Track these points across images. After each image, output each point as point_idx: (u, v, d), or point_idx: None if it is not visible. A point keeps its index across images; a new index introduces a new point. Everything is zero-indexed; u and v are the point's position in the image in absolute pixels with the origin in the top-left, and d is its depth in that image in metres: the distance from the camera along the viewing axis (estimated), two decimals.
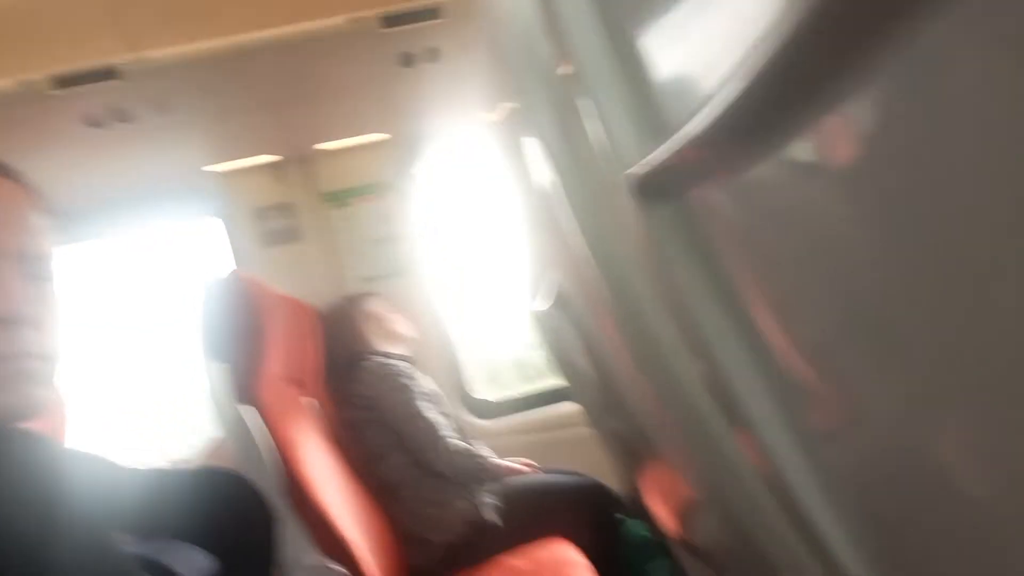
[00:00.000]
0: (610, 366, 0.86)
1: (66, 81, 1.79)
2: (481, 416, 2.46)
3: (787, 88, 0.31)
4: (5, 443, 0.64)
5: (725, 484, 0.66)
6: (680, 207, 0.51)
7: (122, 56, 1.80)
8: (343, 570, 1.48)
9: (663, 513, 1.23)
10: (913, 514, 0.43)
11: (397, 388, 1.95)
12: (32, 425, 0.74)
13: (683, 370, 0.64)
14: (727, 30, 0.40)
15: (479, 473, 1.93)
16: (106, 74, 1.80)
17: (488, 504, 1.91)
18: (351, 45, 1.86)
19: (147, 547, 0.71)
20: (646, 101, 0.55)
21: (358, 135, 2.36)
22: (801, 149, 0.35)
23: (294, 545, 1.35)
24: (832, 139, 0.32)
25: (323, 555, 1.51)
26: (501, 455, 2.05)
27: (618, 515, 2.05)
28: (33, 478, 0.63)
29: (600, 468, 2.03)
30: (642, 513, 1.97)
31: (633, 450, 1.23)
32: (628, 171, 0.52)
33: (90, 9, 1.73)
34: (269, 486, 1.43)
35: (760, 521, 0.61)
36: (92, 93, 1.83)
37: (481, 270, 2.97)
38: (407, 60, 1.93)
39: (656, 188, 0.52)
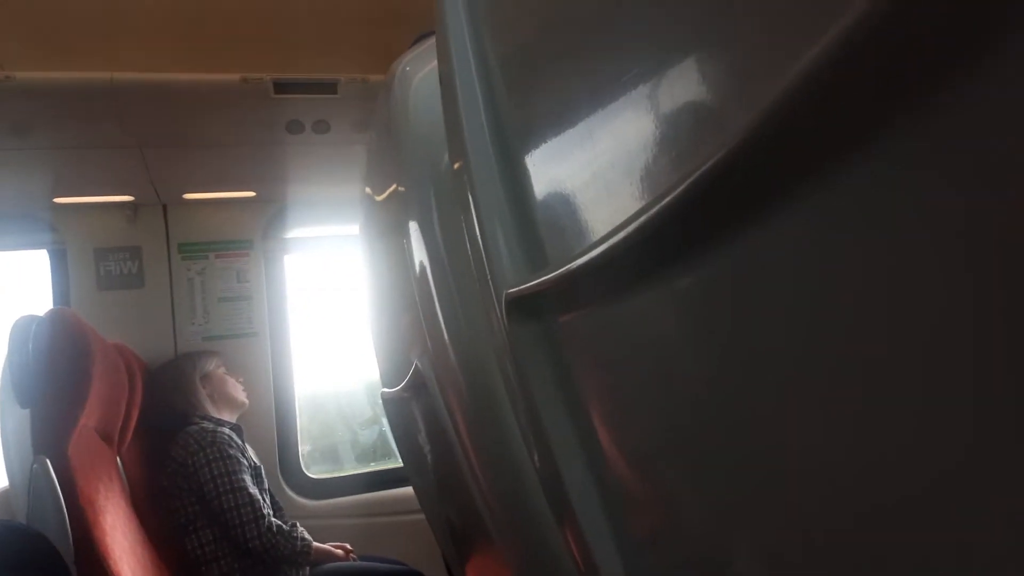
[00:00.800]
0: (454, 455, 0.89)
1: None
2: (305, 495, 2.37)
3: (656, 251, 0.39)
4: None
5: (546, 573, 0.71)
6: (547, 328, 0.58)
7: None
8: None
9: None
10: None
11: (220, 457, 1.84)
12: None
13: (524, 469, 0.69)
14: (612, 180, 0.48)
15: (294, 556, 1.84)
16: None
17: None
18: (239, 104, 1.86)
19: None
20: (527, 217, 0.62)
21: (227, 190, 2.31)
22: (654, 300, 0.43)
23: None
24: (677, 297, 0.40)
25: None
26: (321, 538, 1.98)
27: None
28: None
29: (421, 557, 2.01)
30: None
31: (462, 538, 1.24)
32: (506, 290, 0.58)
33: None
34: (60, 547, 1.30)
35: None
36: None
37: (329, 344, 2.92)
38: (295, 127, 1.96)
39: (529, 308, 0.58)
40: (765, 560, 0.42)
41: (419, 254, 0.88)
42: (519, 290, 0.56)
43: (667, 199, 0.34)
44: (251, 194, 2.34)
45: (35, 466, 1.44)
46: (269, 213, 2.40)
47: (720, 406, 0.40)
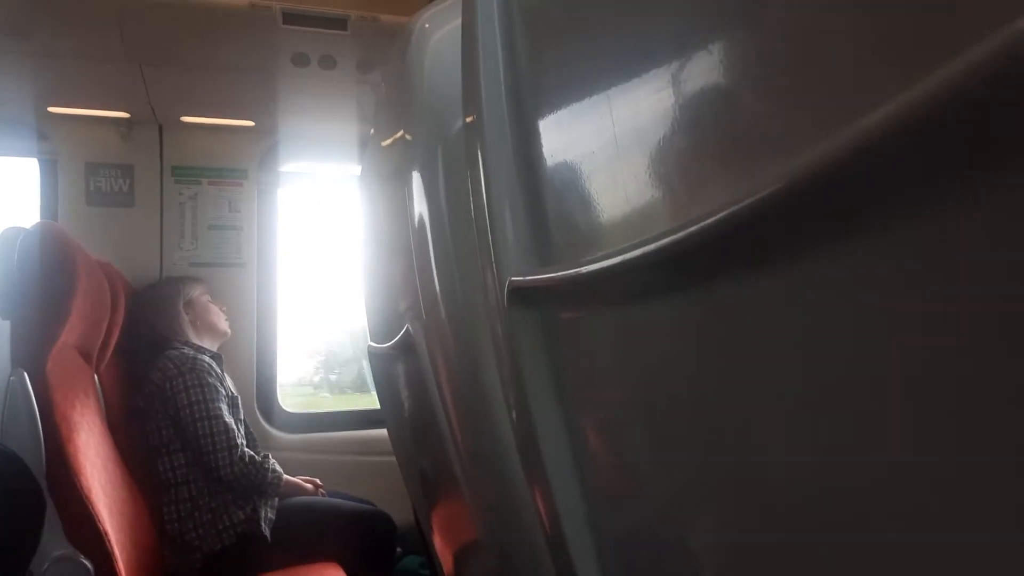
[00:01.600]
0: (434, 413, 0.91)
1: None
2: (281, 428, 2.39)
3: (671, 272, 0.39)
4: None
5: (512, 532, 0.73)
6: (546, 319, 0.58)
7: None
8: (89, 566, 1.38)
9: (444, 551, 1.28)
10: None
11: (197, 384, 1.85)
12: None
13: (501, 429, 0.71)
14: (628, 168, 0.47)
15: (263, 486, 1.87)
16: None
17: (265, 519, 1.85)
18: (247, 29, 1.81)
19: None
20: (535, 195, 0.61)
21: (226, 117, 2.27)
22: (660, 314, 0.43)
23: (47, 531, 1.25)
24: (680, 316, 0.41)
25: (75, 547, 1.39)
26: (293, 471, 2.01)
27: (398, 548, 2.06)
28: None
29: (389, 499, 2.05)
30: (422, 549, 2.00)
31: (432, 487, 1.27)
32: (509, 278, 0.58)
33: None
34: (31, 461, 1.30)
35: (531, 568, 0.68)
36: None
37: (317, 281, 2.91)
38: (300, 60, 1.91)
39: (529, 297, 0.58)
40: (718, 537, 0.44)
41: (419, 206, 0.88)
42: (523, 281, 0.56)
43: (694, 227, 0.34)
44: (250, 123, 2.30)
45: (12, 379, 1.44)
46: (266, 144, 2.36)
47: (699, 406, 0.41)
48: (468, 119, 0.72)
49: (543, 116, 0.61)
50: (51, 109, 2.11)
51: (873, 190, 0.25)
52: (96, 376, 1.82)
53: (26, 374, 1.45)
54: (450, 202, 0.84)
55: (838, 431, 0.30)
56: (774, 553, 0.38)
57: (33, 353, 1.50)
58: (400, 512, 2.00)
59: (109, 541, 1.41)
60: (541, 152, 0.62)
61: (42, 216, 2.17)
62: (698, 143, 0.38)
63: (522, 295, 0.57)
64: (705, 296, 0.38)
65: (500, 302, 0.60)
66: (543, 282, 0.54)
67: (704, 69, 0.36)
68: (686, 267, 0.38)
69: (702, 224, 0.33)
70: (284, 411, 2.44)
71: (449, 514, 1.18)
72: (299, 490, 1.99)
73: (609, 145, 0.48)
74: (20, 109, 2.10)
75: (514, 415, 0.65)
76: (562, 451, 0.59)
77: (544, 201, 0.62)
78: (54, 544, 1.29)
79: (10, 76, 1.93)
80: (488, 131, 0.67)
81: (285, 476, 1.93)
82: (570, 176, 0.58)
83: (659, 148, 0.40)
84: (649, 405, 0.47)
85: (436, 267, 0.80)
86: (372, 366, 1.50)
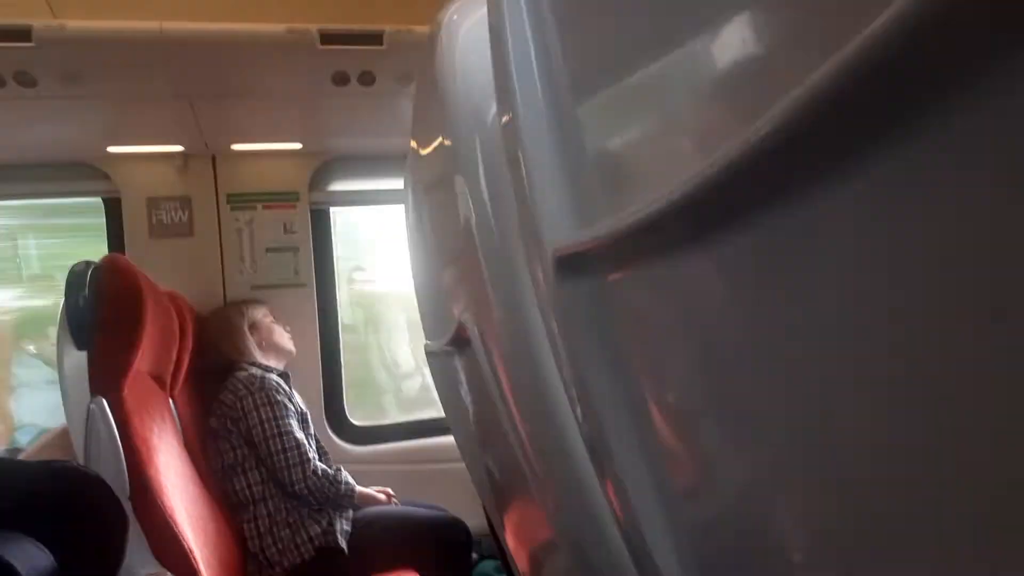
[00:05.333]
0: (495, 408, 0.90)
1: None
2: (350, 440, 2.43)
3: (711, 211, 0.37)
4: None
5: (585, 529, 0.72)
6: (594, 285, 0.57)
7: (41, 19, 1.73)
8: None
9: (520, 554, 1.27)
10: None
11: (267, 403, 1.90)
12: None
13: (566, 424, 0.70)
14: (670, 136, 0.46)
15: (337, 499, 1.91)
16: (20, 35, 1.72)
17: (341, 531, 1.88)
18: (286, 55, 1.86)
19: None
20: (577, 174, 0.61)
21: (274, 142, 2.33)
22: (707, 260, 0.41)
23: (132, 551, 1.29)
24: (732, 258, 0.39)
25: (162, 564, 1.44)
26: (364, 482, 2.04)
27: (473, 554, 2.07)
28: None
29: (461, 505, 2.05)
30: (498, 554, 2.00)
31: (501, 490, 1.26)
32: (555, 248, 0.57)
33: None
34: (115, 485, 1.35)
35: (612, 568, 0.67)
36: (1, 52, 1.73)
37: (375, 295, 2.95)
38: (340, 79, 1.95)
39: (577, 266, 0.57)
40: (804, 523, 0.42)
41: (464, 209, 0.88)
42: (567, 247, 0.55)
43: (726, 158, 0.32)
44: (298, 146, 2.36)
45: (92, 406, 1.50)
46: (316, 165, 2.42)
47: (769, 370, 0.39)
48: (504, 119, 0.71)
49: (582, 105, 0.60)
50: (110, 149, 2.20)
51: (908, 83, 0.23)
52: (171, 400, 1.89)
53: (105, 401, 1.52)
54: (494, 200, 0.84)
55: (951, 399, 0.25)
56: (874, 546, 0.34)
57: (110, 380, 1.56)
58: (474, 517, 2.00)
59: (194, 558, 1.46)
60: (582, 137, 0.61)
61: (109, 250, 2.26)
62: (725, 93, 0.37)
63: (569, 264, 0.56)
64: (753, 228, 0.35)
65: (547, 276, 0.59)
66: (587, 244, 0.52)
67: (730, 37, 0.35)
68: (724, 200, 0.35)
69: (734, 152, 0.31)
70: (352, 424, 2.48)
71: (520, 515, 1.18)
72: (372, 501, 2.02)
73: (648, 116, 0.47)
74: (82, 151, 2.20)
75: (575, 402, 0.64)
76: (630, 438, 0.58)
77: (586, 180, 0.61)
78: (142, 563, 1.34)
79: (71, 120, 2.02)
80: (526, 126, 0.66)
81: (358, 488, 1.96)
82: (611, 150, 0.57)
83: (692, 110, 0.39)
84: (718, 375, 0.45)
85: (484, 264, 0.80)
86: (431, 367, 1.51)
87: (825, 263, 0.31)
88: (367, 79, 1.93)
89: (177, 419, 1.89)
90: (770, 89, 0.31)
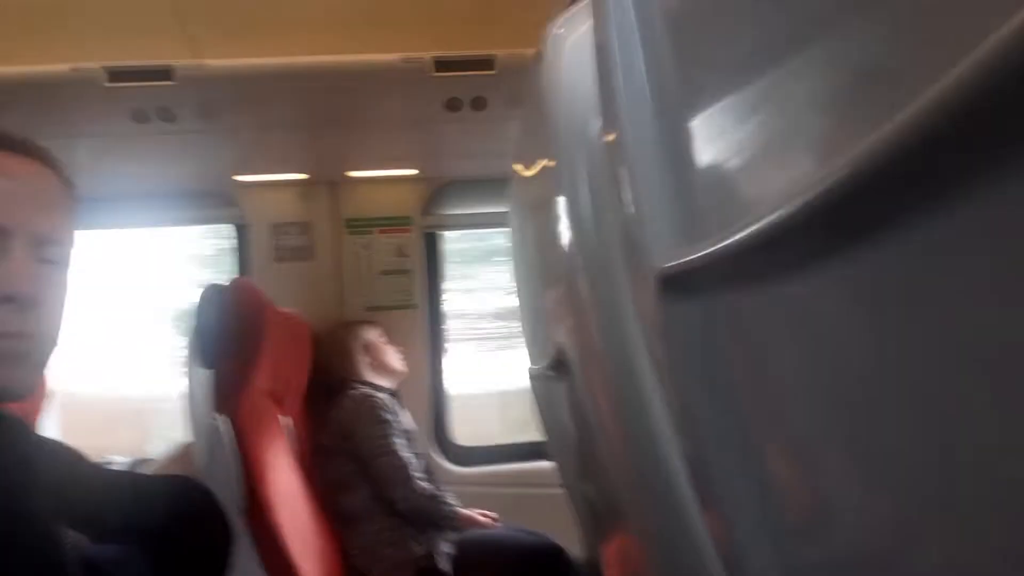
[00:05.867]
0: (594, 435, 0.87)
1: (121, 75, 1.85)
2: (455, 461, 2.44)
3: (835, 225, 0.33)
4: None
5: (686, 566, 0.67)
6: (704, 307, 0.53)
7: (180, 59, 1.86)
8: None
9: None
10: None
11: (376, 421, 1.94)
12: (10, 406, 0.74)
13: (667, 450, 0.65)
14: (788, 147, 0.42)
15: (440, 520, 1.91)
16: (162, 74, 1.86)
17: (443, 552, 1.88)
18: (401, 83, 1.92)
19: (96, 549, 0.70)
20: (685, 190, 0.57)
21: (390, 168, 2.41)
22: (829, 280, 0.37)
23: (243, 563, 1.33)
24: (857, 278, 0.34)
25: None
26: (468, 504, 2.03)
27: None
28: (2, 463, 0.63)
29: (563, 532, 2.00)
30: None
31: (601, 518, 1.22)
32: (661, 266, 0.53)
33: (156, 9, 1.79)
34: (230, 499, 1.41)
35: None
36: (144, 90, 1.88)
37: (484, 317, 2.98)
38: (453, 105, 1.99)
39: (684, 285, 0.53)
40: (944, 572, 0.36)
41: (565, 230, 0.85)
42: (674, 265, 0.51)
43: (859, 162, 0.28)
44: (413, 172, 2.43)
45: (214, 423, 1.57)
46: (430, 190, 2.49)
47: (909, 402, 0.34)
48: (610, 137, 0.69)
49: (692, 121, 0.57)
50: (239, 178, 2.35)
51: None
52: (287, 417, 1.96)
53: (225, 417, 1.59)
54: (597, 222, 0.81)
55: None
56: None
57: (231, 398, 1.64)
58: (578, 546, 1.95)
59: (301, 573, 1.49)
60: (691, 150, 0.57)
61: (238, 274, 2.40)
62: (849, 105, 0.33)
63: (676, 283, 0.53)
64: (882, 245, 0.30)
65: (654, 298, 0.55)
66: (696, 261, 0.48)
67: (853, 46, 0.32)
68: (849, 213, 0.31)
69: (858, 161, 0.28)
70: (457, 445, 2.49)
71: (619, 548, 1.13)
72: (474, 524, 2.00)
73: (766, 131, 0.43)
74: (215, 181, 2.35)
75: (679, 432, 0.60)
76: (738, 471, 0.53)
77: (695, 200, 0.57)
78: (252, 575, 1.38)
79: (203, 152, 2.17)
80: (631, 141, 0.64)
81: (460, 510, 1.96)
82: (723, 169, 0.53)
83: (813, 124, 0.35)
84: (845, 406, 0.40)
85: (586, 287, 0.77)
86: (533, 391, 1.49)
87: (982, 278, 0.27)
88: (479, 104, 1.97)
89: (291, 435, 1.96)
90: (902, 89, 0.27)
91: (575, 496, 1.43)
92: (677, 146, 0.60)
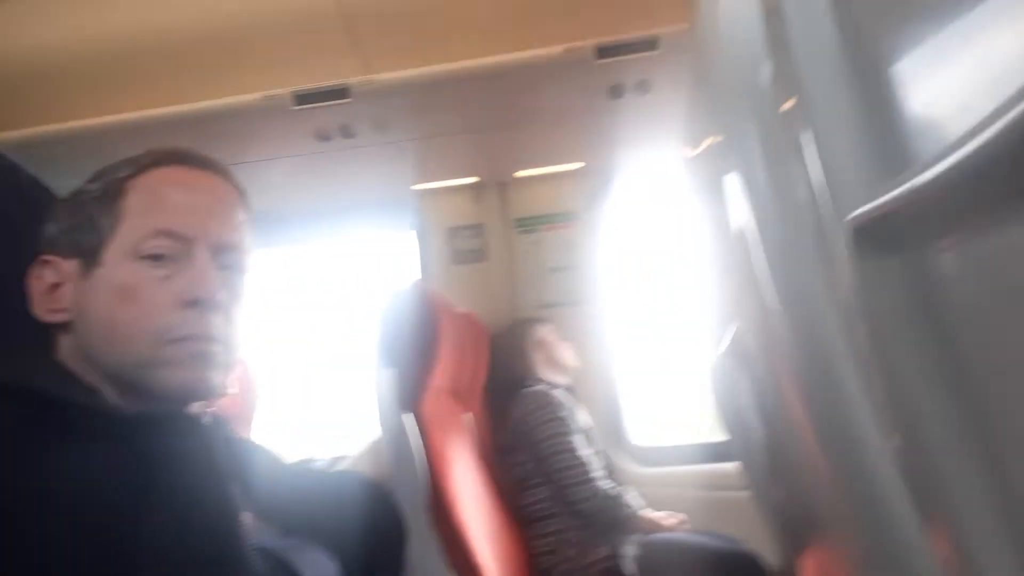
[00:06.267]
0: (783, 430, 0.78)
1: (305, 98, 1.98)
2: (638, 462, 2.37)
3: None
4: (171, 423, 0.68)
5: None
6: (906, 262, 0.44)
7: (355, 77, 1.96)
8: None
9: None
10: None
11: (552, 419, 1.93)
12: (220, 409, 0.79)
13: (873, 446, 0.56)
14: (998, 66, 0.35)
15: (623, 521, 1.85)
16: (340, 93, 1.98)
17: (629, 556, 1.82)
18: (564, 75, 1.90)
19: (280, 543, 0.72)
20: (882, 140, 0.49)
21: (556, 163, 2.40)
22: None
23: (427, 561, 1.36)
24: None
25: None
26: (654, 506, 1.96)
27: None
28: (187, 457, 0.66)
29: (759, 539, 1.87)
30: None
31: (795, 524, 1.11)
32: (850, 216, 0.46)
33: (331, 32, 1.90)
34: (415, 497, 1.45)
35: None
36: (325, 110, 2.01)
37: (662, 310, 2.89)
38: (617, 92, 1.93)
39: (880, 238, 0.45)
40: None
41: (741, 209, 0.78)
42: (867, 212, 0.43)
43: None
44: (577, 165, 2.40)
45: (399, 421, 1.63)
46: (595, 183, 2.44)
47: None
48: (787, 104, 0.62)
49: (890, 66, 0.49)
50: (415, 187, 2.44)
51: None
52: (468, 415, 2.00)
53: (408, 416, 1.64)
54: (776, 195, 0.73)
55: None
56: None
57: (413, 397, 1.70)
58: (767, 552, 1.81)
59: (484, 572, 1.50)
60: (892, 107, 0.49)
61: (417, 278, 2.49)
62: None
63: (869, 234, 0.44)
64: None
65: (847, 258, 0.47)
66: (891, 207, 0.40)
67: None
68: None
69: None
70: (635, 444, 2.42)
71: (818, 556, 1.01)
72: (656, 527, 1.93)
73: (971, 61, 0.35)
74: (392, 190, 2.47)
75: (886, 422, 0.51)
76: (971, 471, 0.44)
77: (897, 156, 0.49)
78: (436, 573, 1.41)
79: (381, 164, 2.27)
80: (820, 106, 0.56)
81: (642, 511, 1.90)
82: (929, 121, 0.44)
83: None
84: None
85: (764, 265, 0.69)
86: (713, 385, 1.40)
87: None
88: (643, 87, 1.90)
89: (473, 434, 1.99)
90: None
91: (765, 502, 1.32)
92: (869, 94, 0.52)
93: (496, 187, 2.48)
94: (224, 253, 0.75)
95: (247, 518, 0.74)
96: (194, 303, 0.70)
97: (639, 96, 1.93)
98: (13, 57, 1.99)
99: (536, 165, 2.40)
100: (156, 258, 0.71)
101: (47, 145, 2.05)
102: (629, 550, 1.84)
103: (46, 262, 0.74)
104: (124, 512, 0.60)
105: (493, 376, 2.16)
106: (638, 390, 2.55)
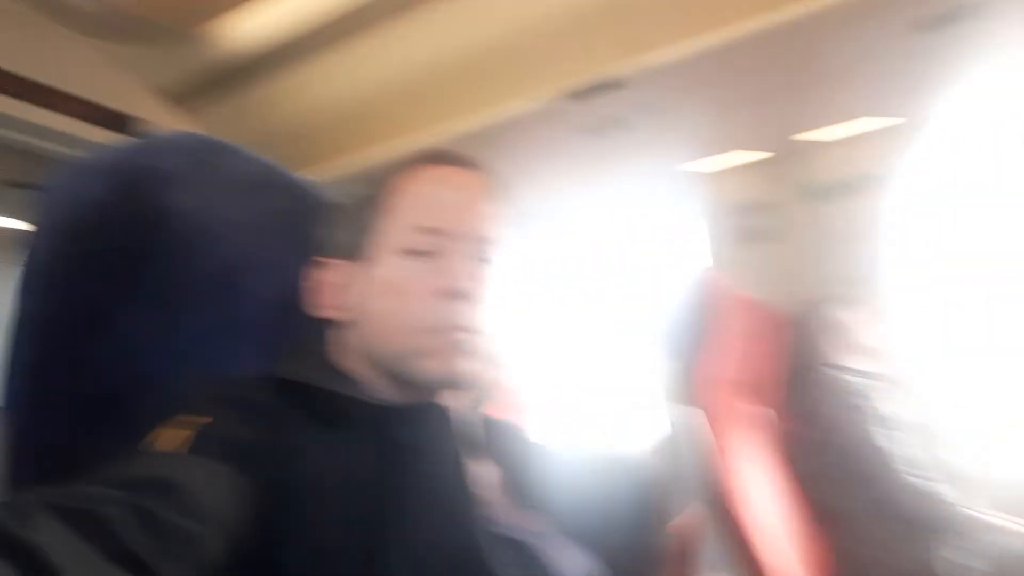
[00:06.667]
0: None
1: (580, 96, 2.01)
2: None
3: None
4: (419, 413, 0.72)
5: None
6: None
7: (620, 63, 1.93)
8: None
9: None
10: None
11: (847, 407, 1.71)
12: (491, 408, 0.82)
13: None
14: None
15: (939, 521, 1.56)
16: (611, 85, 1.96)
17: (954, 563, 1.52)
18: (856, 16, 1.64)
19: (534, 534, 0.72)
20: None
21: (852, 121, 2.11)
22: None
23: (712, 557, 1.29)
24: None
25: None
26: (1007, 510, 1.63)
27: None
28: (433, 446, 0.69)
29: None
30: None
31: None
32: None
33: (591, 21, 1.89)
34: (695, 493, 1.39)
35: None
36: (600, 104, 2.01)
37: (987, 283, 2.37)
38: (922, 23, 1.61)
39: None
40: None
41: None
42: None
43: None
44: (878, 121, 2.08)
45: (684, 416, 1.57)
46: (900, 140, 2.09)
47: None
48: None
49: None
50: (695, 168, 2.33)
51: None
52: (764, 409, 1.85)
53: (695, 410, 1.57)
54: None
55: None
56: None
57: (701, 390, 1.62)
58: None
59: (772, 571, 1.39)
60: None
61: (700, 262, 2.38)
62: None
63: None
64: None
65: None
66: None
67: None
68: None
69: None
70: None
71: None
72: (1007, 532, 1.59)
73: None
74: (666, 176, 2.39)
75: None
76: None
77: None
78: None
79: (663, 148, 2.20)
80: None
81: (975, 513, 1.59)
82: None
83: None
84: None
85: None
86: None
87: None
88: (958, 14, 1.56)
89: (769, 430, 1.84)
90: None
91: None
92: None
93: (785, 156, 2.26)
94: (482, 246, 0.78)
95: (506, 507, 0.76)
96: (452, 294, 0.74)
97: (951, 24, 1.60)
98: (330, 101, 2.33)
99: (829, 126, 2.13)
100: (419, 253, 0.76)
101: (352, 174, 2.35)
102: (955, 556, 1.54)
103: (327, 263, 0.84)
104: (382, 498, 0.65)
105: (797, 365, 1.97)
106: (962, 378, 2.13)
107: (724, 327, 1.73)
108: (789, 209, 2.26)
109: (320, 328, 0.83)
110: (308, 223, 0.89)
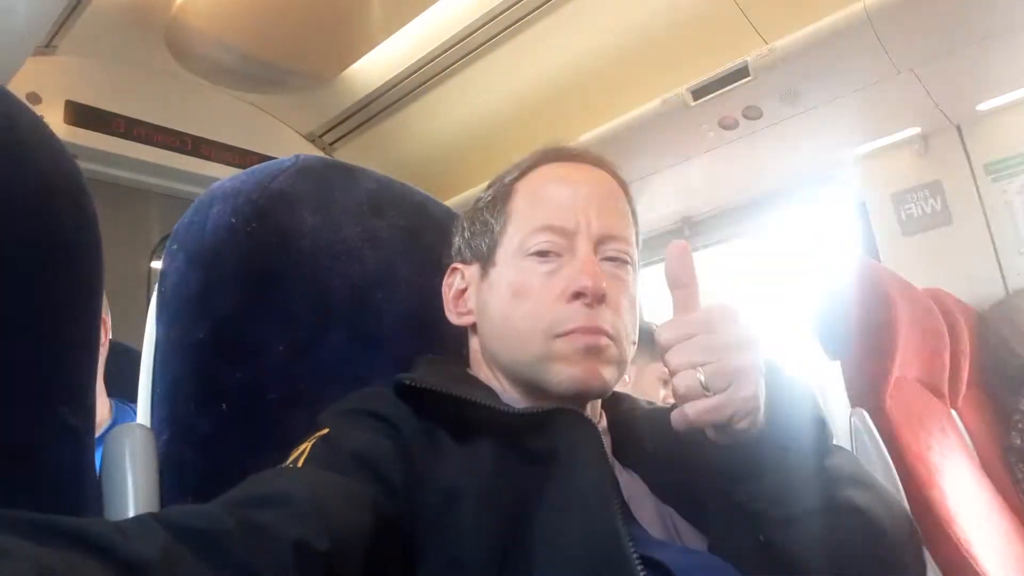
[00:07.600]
0: None
1: (703, 90, 1.92)
2: None
3: None
4: (556, 421, 0.67)
5: None
6: None
7: (752, 51, 1.83)
8: None
9: None
10: None
11: None
12: None
13: None
14: None
15: None
16: (738, 75, 1.86)
17: None
18: None
19: (684, 558, 0.65)
20: None
21: None
22: None
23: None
24: None
25: None
26: None
27: None
28: (573, 456, 0.65)
29: None
30: None
31: None
32: None
33: (721, 11, 1.80)
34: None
35: None
36: (725, 96, 1.91)
37: None
38: None
39: None
40: None
41: None
42: None
43: None
44: None
45: (853, 419, 1.42)
46: None
47: None
48: None
49: None
50: (847, 153, 2.15)
51: None
52: (955, 412, 1.65)
53: (866, 413, 1.41)
54: None
55: None
56: None
57: (868, 391, 1.46)
58: None
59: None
60: None
61: (861, 254, 2.18)
62: None
63: None
64: None
65: None
66: None
67: None
68: None
69: None
70: None
71: None
72: None
73: None
74: (813, 165, 2.22)
75: None
76: None
77: None
78: None
79: (795, 139, 2.05)
80: None
81: None
82: None
83: None
84: None
85: None
86: None
87: None
88: None
89: (965, 434, 1.64)
90: None
91: None
92: None
93: (952, 131, 2.03)
94: (607, 244, 0.73)
95: (656, 522, 0.70)
96: (579, 294, 0.69)
97: None
98: (461, 126, 2.36)
99: (1005, 91, 1.89)
100: (542, 254, 0.72)
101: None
102: None
103: (455, 270, 0.82)
104: (520, 509, 0.61)
105: (987, 363, 1.74)
106: None
107: (893, 321, 1.55)
108: (959, 189, 2.02)
109: (453, 338, 0.81)
110: (435, 239, 0.88)
